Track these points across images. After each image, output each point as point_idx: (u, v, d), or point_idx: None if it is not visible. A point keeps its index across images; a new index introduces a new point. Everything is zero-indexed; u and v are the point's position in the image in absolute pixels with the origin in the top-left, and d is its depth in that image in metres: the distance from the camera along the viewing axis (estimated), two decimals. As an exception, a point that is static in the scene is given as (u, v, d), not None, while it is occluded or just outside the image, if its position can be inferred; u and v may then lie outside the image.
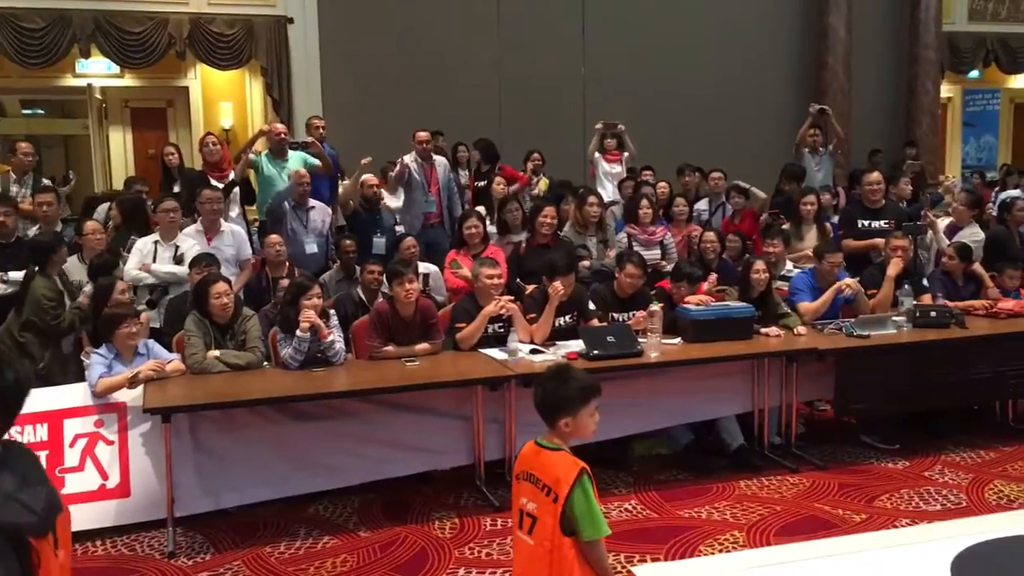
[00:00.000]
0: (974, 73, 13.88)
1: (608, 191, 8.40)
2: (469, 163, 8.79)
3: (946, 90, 13.51)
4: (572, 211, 7.06)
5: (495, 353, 5.28)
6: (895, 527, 4.51)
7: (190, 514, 4.66)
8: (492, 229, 7.12)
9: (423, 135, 7.59)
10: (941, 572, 3.11)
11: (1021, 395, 6.12)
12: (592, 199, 6.99)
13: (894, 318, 5.84)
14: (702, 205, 8.27)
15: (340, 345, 5.17)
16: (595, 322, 5.64)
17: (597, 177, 8.65)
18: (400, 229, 7.19)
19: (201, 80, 11.15)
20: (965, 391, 5.79)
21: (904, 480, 5.26)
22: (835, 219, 7.62)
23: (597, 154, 8.64)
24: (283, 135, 7.57)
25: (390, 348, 5.28)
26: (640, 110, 10.19)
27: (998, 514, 4.00)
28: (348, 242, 6.52)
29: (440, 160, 7.71)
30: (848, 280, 6.05)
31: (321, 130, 8.10)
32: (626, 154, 8.54)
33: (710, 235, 6.80)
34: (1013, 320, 6.00)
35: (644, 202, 7.09)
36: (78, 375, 5.22)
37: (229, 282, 5.34)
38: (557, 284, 5.44)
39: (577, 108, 10.55)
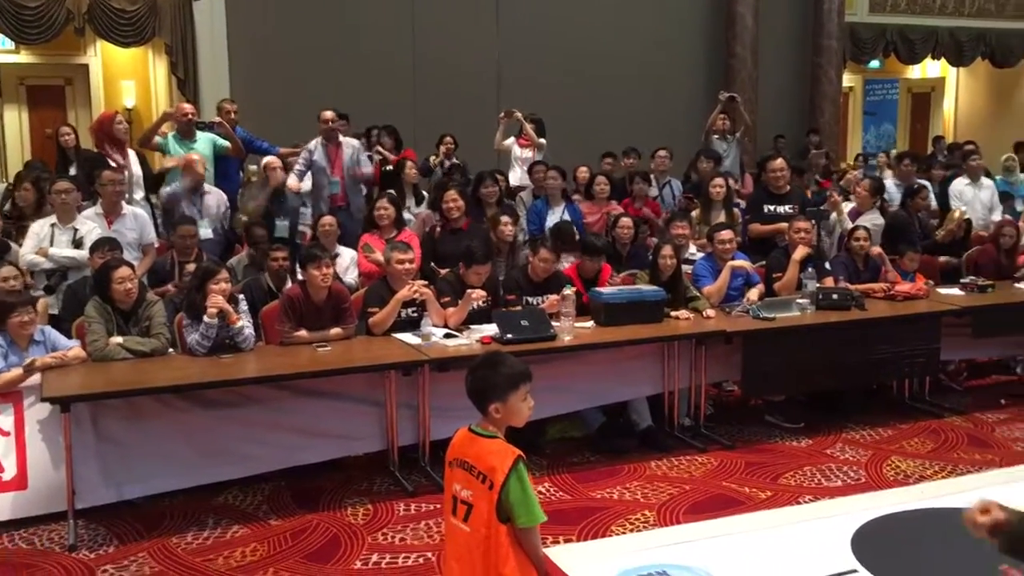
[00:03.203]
0: (874, 63, 14.33)
1: (518, 175, 8.43)
2: (379, 146, 8.70)
3: (848, 79, 13.93)
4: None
5: (408, 338, 5.24)
6: (799, 503, 4.64)
7: (92, 506, 4.50)
8: (408, 215, 7.08)
9: (327, 114, 7.44)
10: (842, 546, 3.23)
11: (917, 374, 6.36)
12: (505, 219, 6.58)
13: (798, 300, 6.00)
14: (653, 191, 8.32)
15: (249, 331, 5.06)
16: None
17: (510, 161, 8.67)
18: (306, 212, 7.07)
19: (102, 57, 10.76)
20: (865, 371, 6.00)
21: (807, 458, 5.42)
22: (742, 204, 7.80)
23: (511, 139, 8.64)
24: (190, 115, 7.35)
25: (302, 333, 5.19)
26: (554, 95, 10.23)
27: (895, 489, 4.16)
28: (259, 231, 6.37)
29: (349, 142, 7.56)
30: (739, 262, 6.23)
31: (233, 115, 7.89)
32: (543, 140, 8.56)
33: (626, 220, 6.89)
34: (910, 302, 6.24)
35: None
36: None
37: (132, 267, 5.17)
38: (480, 292, 5.44)
39: (491, 93, 10.53)
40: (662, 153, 8.47)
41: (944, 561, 3.22)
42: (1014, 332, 6.53)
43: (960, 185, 8.58)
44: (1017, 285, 6.87)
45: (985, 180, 8.73)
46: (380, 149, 8.17)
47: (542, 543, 2.76)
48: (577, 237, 6.65)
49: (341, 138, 7.49)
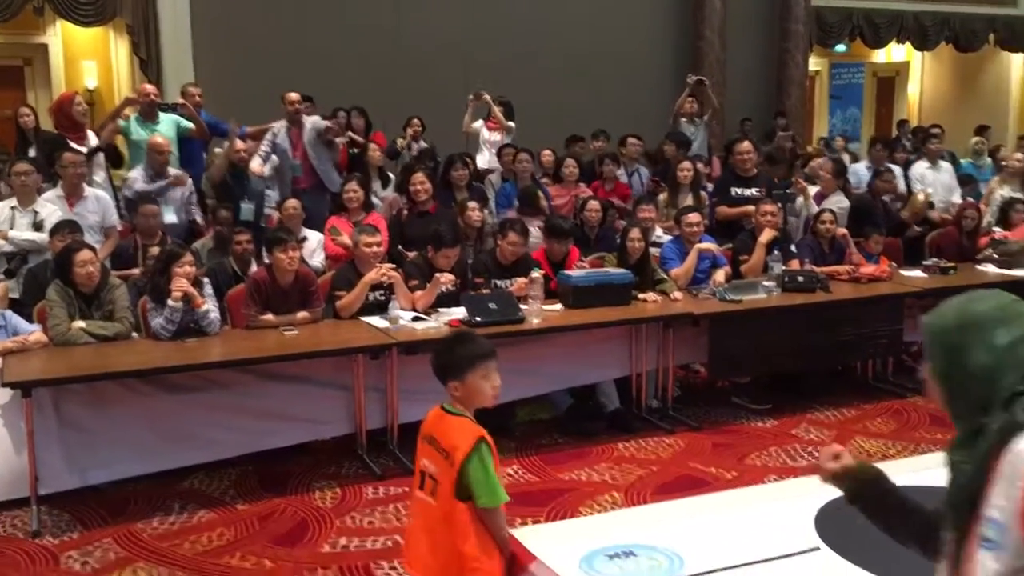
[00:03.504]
0: (840, 47, 14.42)
1: (486, 158, 8.40)
2: (350, 128, 8.62)
3: (814, 63, 13.99)
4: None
5: (376, 321, 5.22)
6: (764, 483, 4.70)
7: (55, 492, 4.45)
8: (376, 200, 7.03)
9: (292, 96, 7.36)
10: (806, 525, 3.26)
11: (881, 355, 6.45)
12: (472, 204, 6.54)
13: (764, 283, 6.05)
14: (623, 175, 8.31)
15: (215, 315, 5.01)
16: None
17: (478, 144, 8.64)
18: (272, 195, 7.01)
19: (62, 37, 10.54)
20: (830, 352, 6.08)
21: (773, 438, 5.48)
22: (710, 187, 7.83)
23: (480, 122, 8.60)
24: (152, 96, 7.24)
25: (268, 316, 5.15)
26: (521, 77, 10.18)
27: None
28: (224, 213, 6.30)
29: (311, 120, 7.48)
30: (705, 244, 6.26)
31: (198, 98, 7.78)
32: (512, 123, 8.53)
33: (594, 203, 6.90)
34: (874, 284, 6.31)
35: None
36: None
37: (94, 250, 5.10)
38: (448, 276, 5.42)
39: (459, 76, 10.46)
40: (632, 140, 8.47)
41: (905, 538, 3.26)
42: (976, 313, 6.62)
43: (921, 168, 8.67)
44: (979, 267, 6.97)
45: (943, 163, 8.84)
46: (351, 134, 8.10)
47: (510, 524, 2.77)
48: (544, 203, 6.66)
49: (304, 119, 7.43)
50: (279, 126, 7.34)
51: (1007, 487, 1.59)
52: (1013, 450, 1.59)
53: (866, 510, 2.09)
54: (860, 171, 8.88)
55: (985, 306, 1.79)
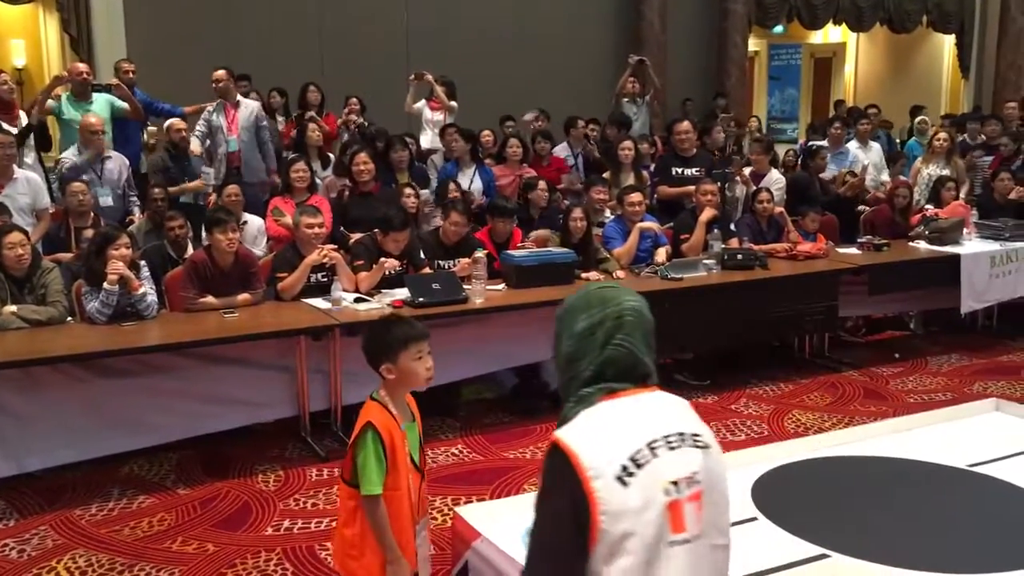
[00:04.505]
0: (778, 28, 14.59)
1: (429, 138, 8.36)
2: (287, 109, 8.52)
3: (753, 44, 14.14)
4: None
5: (318, 302, 5.18)
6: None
7: (-11, 480, 4.36)
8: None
9: (219, 74, 7.24)
10: (743, 495, 3.34)
11: (817, 331, 6.60)
12: (408, 191, 6.42)
13: (704, 261, 6.13)
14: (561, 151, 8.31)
15: (152, 298, 4.93)
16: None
17: (420, 124, 8.58)
18: (208, 172, 6.90)
19: (-12, 14, 10.19)
20: (768, 328, 6.21)
21: (714, 413, 5.57)
22: (652, 167, 7.90)
23: (422, 101, 8.54)
24: (84, 75, 7.06)
25: (208, 299, 5.08)
26: (462, 57, 10.13)
27: (794, 440, 4.31)
28: (157, 191, 6.19)
29: (248, 103, 7.38)
30: (647, 223, 6.32)
31: (131, 75, 7.60)
32: (454, 103, 8.48)
33: (542, 184, 6.91)
34: (810, 261, 6.44)
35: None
36: None
37: (25, 232, 4.97)
38: (392, 262, 5.40)
39: (400, 55, 10.37)
40: (581, 123, 8.48)
41: (838, 506, 3.36)
42: (908, 288, 6.82)
43: (852, 148, 8.84)
44: (911, 244, 7.15)
45: (874, 143, 9.03)
46: (312, 115, 7.97)
47: (455, 503, 2.79)
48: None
49: (241, 99, 7.33)
50: (213, 104, 7.22)
51: None
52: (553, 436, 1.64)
53: None
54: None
55: (577, 295, 1.80)
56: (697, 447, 1.67)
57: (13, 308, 4.67)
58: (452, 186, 6.85)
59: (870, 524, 3.15)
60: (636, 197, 6.37)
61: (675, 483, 1.61)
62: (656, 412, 1.70)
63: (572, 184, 7.87)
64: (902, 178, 8.44)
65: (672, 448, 1.64)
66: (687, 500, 1.62)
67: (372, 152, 6.79)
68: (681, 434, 1.67)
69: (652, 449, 1.62)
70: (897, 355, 6.79)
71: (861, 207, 7.89)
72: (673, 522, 1.60)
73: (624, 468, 1.58)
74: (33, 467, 4.48)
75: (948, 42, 15.27)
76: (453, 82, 8.66)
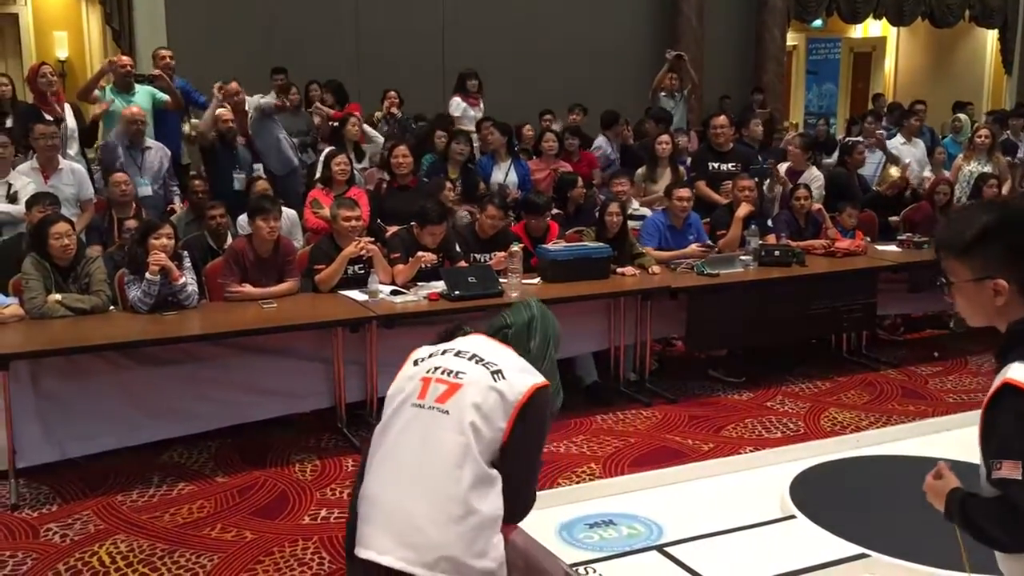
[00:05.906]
0: (817, 22, 14.44)
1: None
2: (323, 103, 8.56)
3: (791, 38, 14.02)
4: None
5: (355, 294, 5.22)
6: (740, 454, 4.77)
7: (33, 465, 4.43)
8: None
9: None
10: (782, 493, 3.33)
11: (855, 328, 6.53)
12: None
13: (741, 257, 6.10)
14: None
15: (193, 288, 4.99)
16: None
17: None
18: (258, 167, 6.96)
19: (32, 7, 10.36)
20: (805, 325, 6.15)
21: (748, 410, 5.55)
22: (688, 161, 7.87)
23: (457, 98, 8.55)
24: (128, 67, 7.16)
25: (246, 287, 5.14)
26: (500, 53, 10.14)
27: (831, 439, 4.29)
28: (197, 182, 6.26)
29: (251, 101, 7.45)
30: (746, 208, 6.35)
31: (168, 60, 7.69)
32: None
33: (580, 181, 6.89)
34: (848, 259, 6.38)
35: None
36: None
37: (71, 222, 5.05)
38: (430, 256, 5.41)
39: (437, 51, 10.39)
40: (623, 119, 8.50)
41: (876, 506, 3.34)
42: (948, 287, 6.72)
43: (896, 143, 8.74)
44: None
45: (918, 140, 8.91)
46: (319, 105, 8.05)
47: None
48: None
49: (248, 100, 7.40)
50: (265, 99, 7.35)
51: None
52: None
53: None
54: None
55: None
56: (480, 366, 2.37)
57: (58, 297, 4.75)
58: (482, 186, 6.89)
59: (909, 524, 3.12)
60: (684, 192, 6.33)
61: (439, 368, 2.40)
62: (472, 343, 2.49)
63: (605, 179, 7.86)
64: (944, 174, 8.33)
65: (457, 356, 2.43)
66: (436, 381, 2.37)
67: (414, 144, 6.85)
68: (475, 356, 2.41)
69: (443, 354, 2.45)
70: (936, 354, 6.70)
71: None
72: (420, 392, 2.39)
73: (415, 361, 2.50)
74: (76, 453, 4.56)
75: (991, 37, 15.02)
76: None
